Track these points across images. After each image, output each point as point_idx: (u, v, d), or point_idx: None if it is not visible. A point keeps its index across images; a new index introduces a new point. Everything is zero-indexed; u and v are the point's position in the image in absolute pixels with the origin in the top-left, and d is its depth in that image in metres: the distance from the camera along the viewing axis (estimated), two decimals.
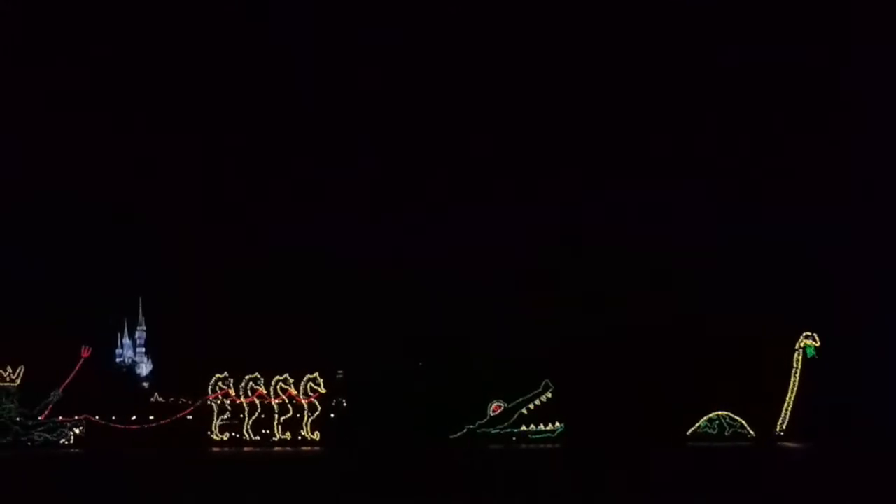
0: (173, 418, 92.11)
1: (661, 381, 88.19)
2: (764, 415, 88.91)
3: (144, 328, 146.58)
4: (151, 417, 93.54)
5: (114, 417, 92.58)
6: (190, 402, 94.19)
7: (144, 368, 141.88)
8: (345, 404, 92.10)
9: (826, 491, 40.16)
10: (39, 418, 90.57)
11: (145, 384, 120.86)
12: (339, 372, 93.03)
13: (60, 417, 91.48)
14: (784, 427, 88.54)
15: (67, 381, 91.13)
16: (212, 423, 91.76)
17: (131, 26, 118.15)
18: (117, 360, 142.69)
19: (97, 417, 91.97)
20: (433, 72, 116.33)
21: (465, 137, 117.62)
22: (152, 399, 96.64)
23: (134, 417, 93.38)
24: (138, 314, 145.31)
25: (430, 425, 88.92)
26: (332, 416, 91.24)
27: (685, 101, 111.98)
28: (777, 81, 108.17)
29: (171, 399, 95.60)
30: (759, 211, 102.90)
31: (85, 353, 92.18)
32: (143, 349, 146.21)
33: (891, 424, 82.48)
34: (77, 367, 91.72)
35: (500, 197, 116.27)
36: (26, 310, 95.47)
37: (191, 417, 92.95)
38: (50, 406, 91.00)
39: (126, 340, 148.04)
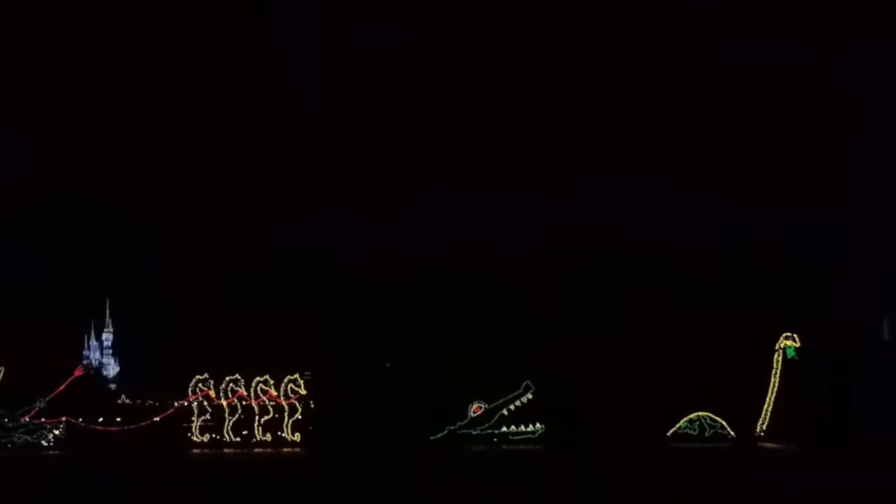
0: (154, 419, 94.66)
1: (641, 382, 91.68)
2: (744, 416, 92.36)
3: (111, 330, 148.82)
4: (119, 419, 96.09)
5: (81, 419, 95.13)
6: (157, 404, 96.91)
7: (111, 370, 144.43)
8: (312, 405, 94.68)
9: (808, 491, 42.81)
10: (22, 420, 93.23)
11: (112, 386, 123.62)
12: (307, 373, 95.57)
13: (28, 418, 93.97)
14: (764, 428, 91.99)
15: (55, 393, 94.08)
16: (190, 424, 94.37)
17: (131, 26, 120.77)
18: (84, 362, 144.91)
19: (79, 420, 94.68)
20: (433, 72, 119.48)
21: (465, 137, 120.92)
22: (119, 401, 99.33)
23: (101, 419, 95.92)
24: (105, 316, 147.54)
25: (411, 426, 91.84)
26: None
27: (686, 101, 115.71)
28: (777, 82, 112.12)
29: (139, 401, 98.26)
30: (756, 211, 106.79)
31: (78, 371, 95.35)
32: (110, 351, 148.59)
33: (871, 424, 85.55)
34: (67, 382, 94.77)
35: (500, 197, 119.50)
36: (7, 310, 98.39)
37: (157, 419, 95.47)
38: (33, 411, 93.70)
39: (93, 342, 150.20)
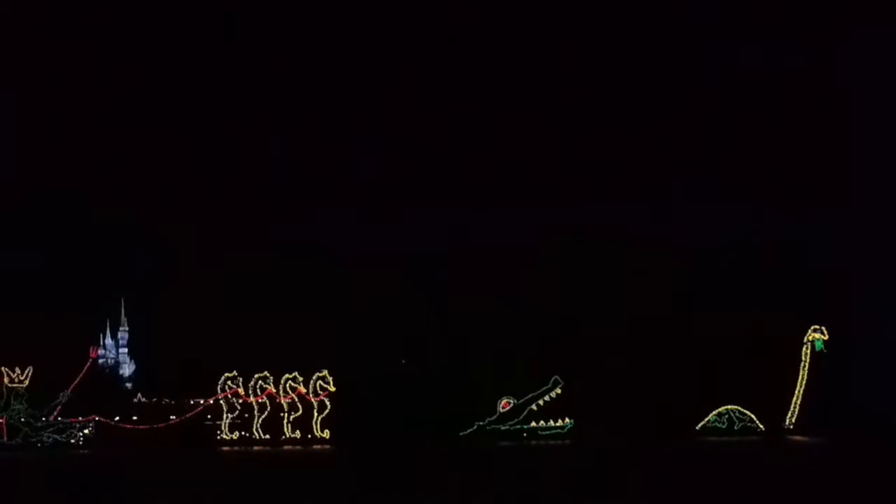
0: (184, 418, 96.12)
1: (670, 376, 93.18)
2: (773, 409, 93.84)
3: (127, 329, 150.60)
4: (135, 418, 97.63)
5: (97, 418, 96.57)
6: (173, 402, 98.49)
7: (127, 369, 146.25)
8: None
9: (836, 485, 43.75)
10: (49, 419, 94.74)
11: (128, 385, 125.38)
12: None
13: (55, 414, 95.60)
14: (793, 421, 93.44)
15: (76, 381, 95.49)
16: (217, 422, 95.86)
17: (129, 23, 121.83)
18: (100, 360, 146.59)
19: (108, 418, 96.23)
20: (434, 71, 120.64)
21: (465, 137, 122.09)
22: (135, 399, 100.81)
23: (118, 418, 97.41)
24: (121, 314, 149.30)
25: (439, 423, 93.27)
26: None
27: (685, 101, 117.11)
28: (779, 81, 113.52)
29: (154, 400, 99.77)
30: (766, 208, 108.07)
31: (93, 353, 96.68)
32: (126, 350, 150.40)
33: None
34: (86, 368, 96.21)
35: (503, 196, 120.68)
36: (29, 309, 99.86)
37: (174, 417, 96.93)
38: (59, 407, 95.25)
39: (108, 341, 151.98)
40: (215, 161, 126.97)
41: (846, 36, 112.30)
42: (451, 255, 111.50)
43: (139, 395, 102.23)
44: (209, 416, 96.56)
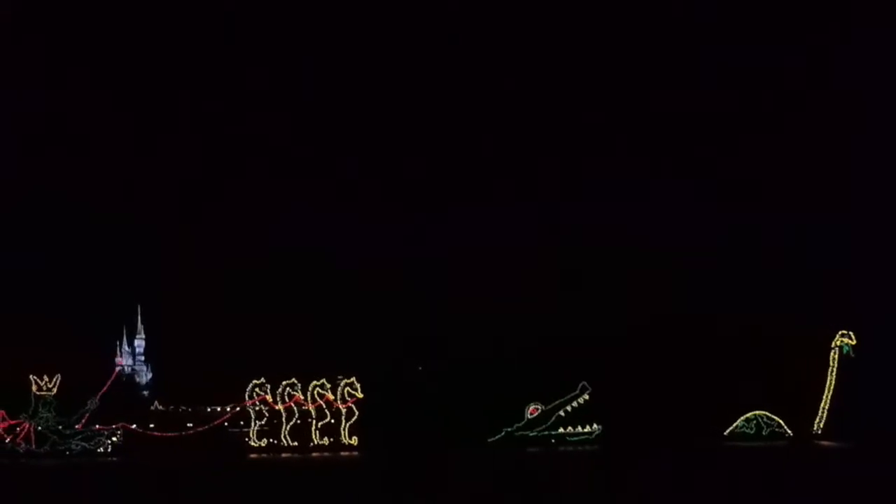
0: (211, 425, 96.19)
1: (697, 381, 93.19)
2: (801, 414, 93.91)
3: (143, 337, 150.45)
4: (152, 426, 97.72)
5: (115, 426, 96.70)
6: (190, 410, 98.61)
7: (144, 377, 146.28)
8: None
9: (863, 490, 43.85)
10: (77, 427, 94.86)
11: (145, 392, 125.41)
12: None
13: (83, 423, 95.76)
14: (821, 426, 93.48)
15: (104, 389, 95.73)
16: (242, 429, 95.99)
17: (129, 22, 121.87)
18: (116, 368, 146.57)
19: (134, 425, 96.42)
20: (433, 71, 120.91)
21: (465, 137, 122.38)
22: (152, 407, 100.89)
23: (134, 425, 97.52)
24: (137, 323, 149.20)
25: (468, 429, 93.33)
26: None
27: (684, 102, 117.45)
28: (781, 81, 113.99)
29: (171, 407, 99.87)
30: (792, 211, 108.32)
31: (119, 361, 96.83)
32: (143, 357, 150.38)
33: None
34: (113, 376, 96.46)
35: (507, 196, 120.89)
36: (55, 316, 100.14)
37: (191, 425, 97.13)
38: (87, 415, 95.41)
39: (125, 349, 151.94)
40: (218, 161, 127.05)
41: (846, 36, 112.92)
42: (456, 257, 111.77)
43: (156, 402, 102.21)
44: (226, 424, 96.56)
